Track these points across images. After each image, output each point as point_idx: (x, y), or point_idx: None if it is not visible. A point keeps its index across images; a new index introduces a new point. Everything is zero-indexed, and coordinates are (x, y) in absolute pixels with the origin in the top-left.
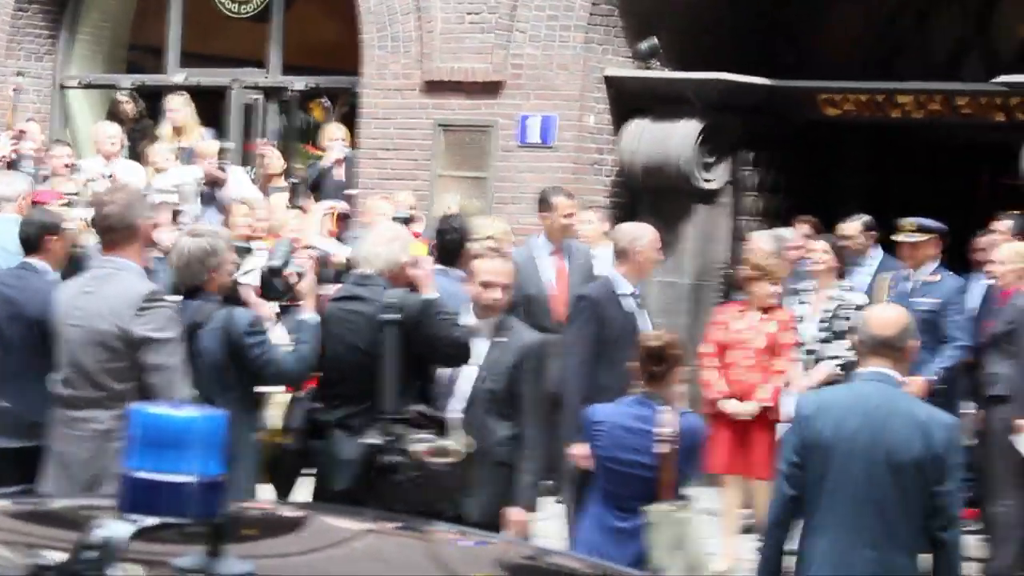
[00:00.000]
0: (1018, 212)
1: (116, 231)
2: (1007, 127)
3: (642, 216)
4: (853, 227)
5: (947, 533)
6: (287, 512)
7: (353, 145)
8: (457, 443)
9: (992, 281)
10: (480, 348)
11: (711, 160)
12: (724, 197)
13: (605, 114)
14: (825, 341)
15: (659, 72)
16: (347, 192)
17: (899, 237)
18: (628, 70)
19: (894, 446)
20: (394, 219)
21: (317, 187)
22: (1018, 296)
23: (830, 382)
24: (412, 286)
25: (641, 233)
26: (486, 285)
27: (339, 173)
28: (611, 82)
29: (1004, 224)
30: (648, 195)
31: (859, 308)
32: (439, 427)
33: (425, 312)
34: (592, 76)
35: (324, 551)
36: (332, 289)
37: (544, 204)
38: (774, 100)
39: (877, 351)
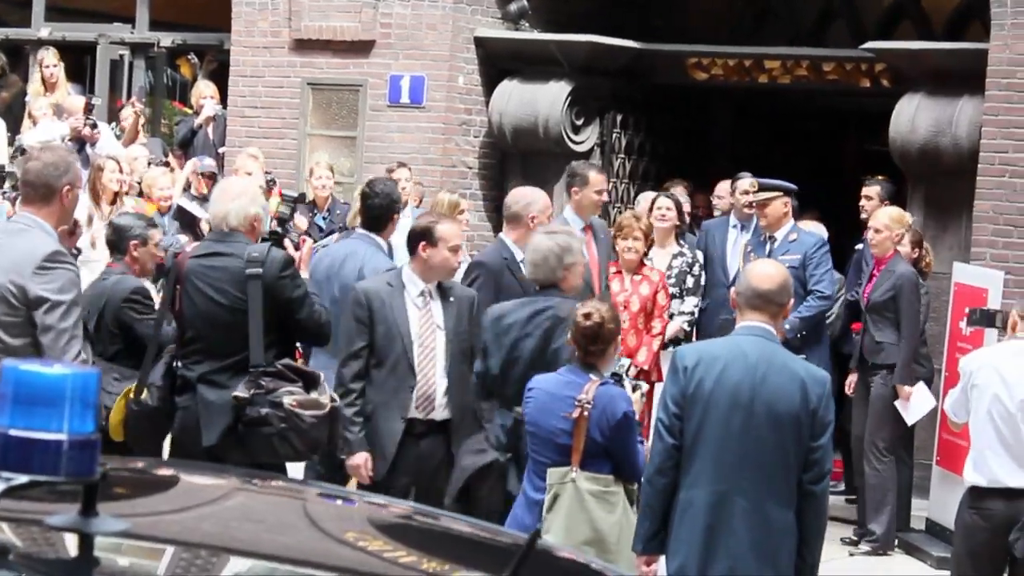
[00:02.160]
0: (883, 178)
1: (34, 188)
2: (873, 93)
3: (511, 178)
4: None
5: (817, 486)
6: (162, 471)
7: (221, 103)
8: (324, 396)
9: (860, 246)
10: (435, 314)
11: (580, 122)
12: (593, 159)
13: (475, 75)
14: (675, 297)
15: (528, 33)
16: (218, 150)
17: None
18: (498, 31)
19: (774, 400)
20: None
21: (187, 144)
22: (895, 262)
23: (677, 338)
24: (269, 240)
25: (534, 198)
26: (455, 250)
27: (210, 131)
28: (481, 43)
29: (874, 189)
30: (517, 156)
31: (702, 267)
32: (306, 380)
33: (284, 271)
34: (462, 36)
35: (198, 509)
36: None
37: (576, 178)
38: (643, 63)
39: (756, 305)
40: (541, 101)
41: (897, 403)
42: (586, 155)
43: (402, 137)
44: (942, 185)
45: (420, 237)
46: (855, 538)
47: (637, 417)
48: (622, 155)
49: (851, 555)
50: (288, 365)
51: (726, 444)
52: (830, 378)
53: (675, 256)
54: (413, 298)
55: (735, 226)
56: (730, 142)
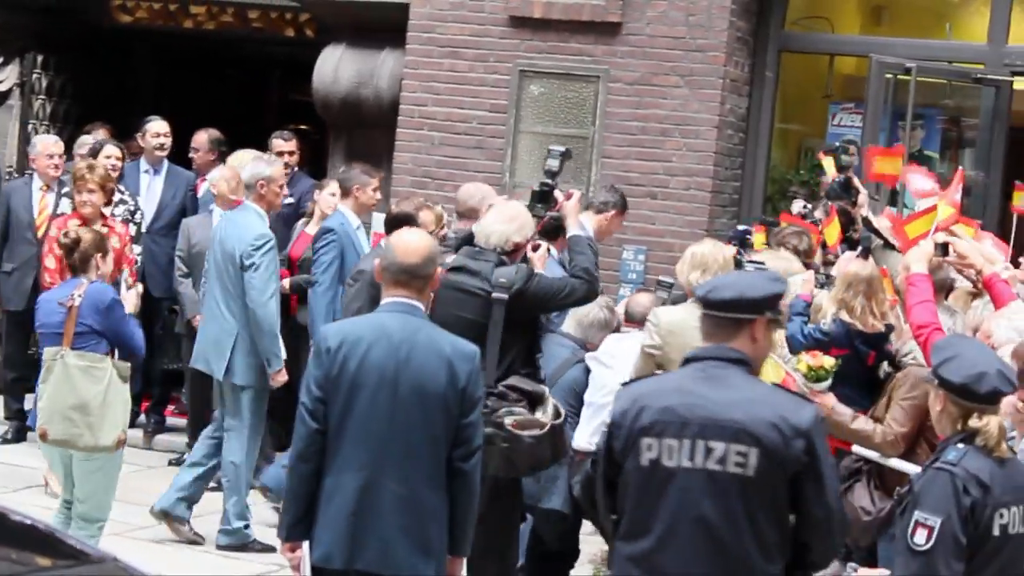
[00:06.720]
0: (307, 127)
1: None
2: (297, 43)
3: None
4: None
5: (467, 463)
6: None
7: None
8: (544, 415)
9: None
10: None
11: (0, 60)
12: (13, 100)
13: None
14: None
15: None
16: None
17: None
18: None
19: (419, 379)
20: None
21: None
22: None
23: None
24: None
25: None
26: None
27: None
28: None
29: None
30: None
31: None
32: (531, 399)
33: (529, 279)
34: None
35: None
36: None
37: None
38: (67, 2)
39: (401, 281)
40: None
41: None
42: (6, 95)
43: None
44: (363, 136)
45: None
46: None
47: None
48: (43, 96)
49: None
50: (512, 386)
51: (373, 427)
52: (479, 351)
53: (117, 204)
54: None
55: (147, 171)
56: (155, 86)
